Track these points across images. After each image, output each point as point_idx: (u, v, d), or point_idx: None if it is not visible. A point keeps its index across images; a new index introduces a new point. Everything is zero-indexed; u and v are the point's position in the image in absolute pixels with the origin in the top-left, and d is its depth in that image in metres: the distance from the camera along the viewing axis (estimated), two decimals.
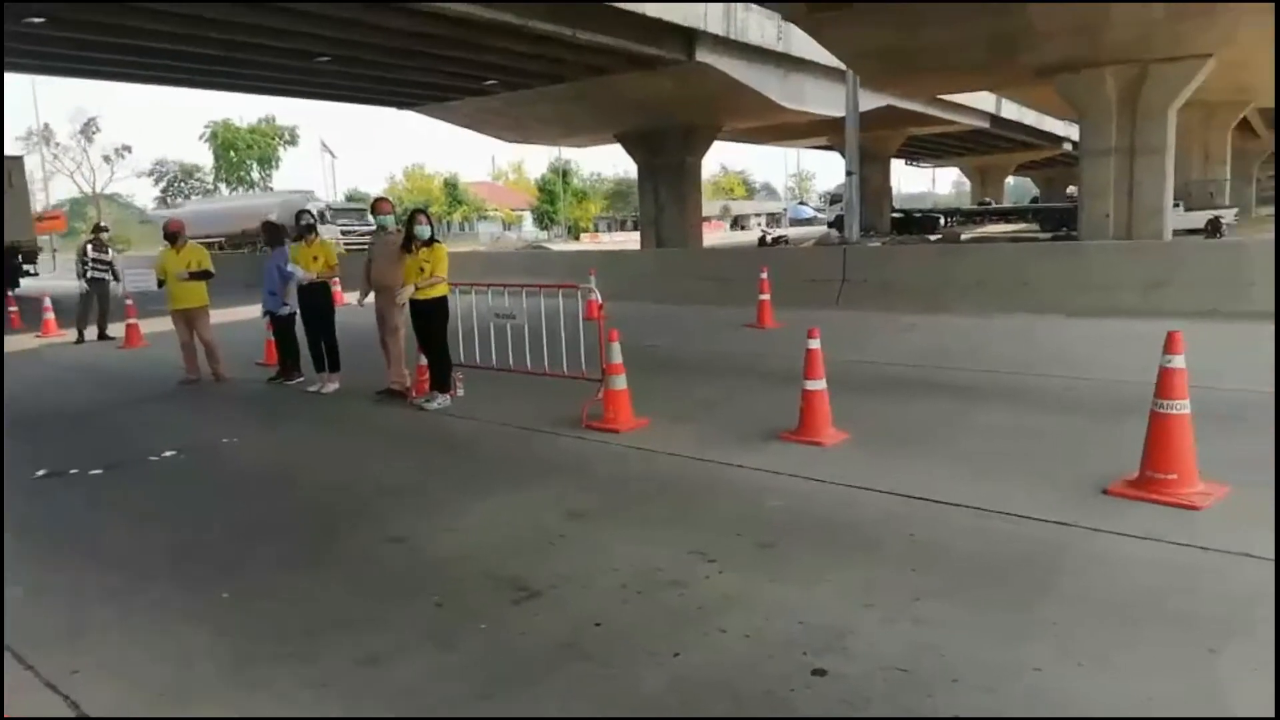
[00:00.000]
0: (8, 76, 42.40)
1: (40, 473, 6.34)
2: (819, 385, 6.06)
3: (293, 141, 64.43)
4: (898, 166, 61.93)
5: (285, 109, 65.20)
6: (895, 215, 45.05)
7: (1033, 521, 4.43)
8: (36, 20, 16.41)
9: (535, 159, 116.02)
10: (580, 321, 7.56)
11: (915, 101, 34.22)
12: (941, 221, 45.69)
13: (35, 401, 9.31)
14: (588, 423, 6.76)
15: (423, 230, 7.75)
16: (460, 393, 8.06)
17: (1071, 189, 46.12)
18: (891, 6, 17.63)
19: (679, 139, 29.96)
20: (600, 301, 7.43)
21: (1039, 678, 3.01)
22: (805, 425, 6.07)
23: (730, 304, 13.31)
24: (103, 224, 17.73)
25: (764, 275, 12.27)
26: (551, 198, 73.30)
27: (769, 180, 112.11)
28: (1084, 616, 3.44)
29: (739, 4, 23.41)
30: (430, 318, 7.76)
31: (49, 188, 63.20)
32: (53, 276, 27.14)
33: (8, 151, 26.69)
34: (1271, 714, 2.76)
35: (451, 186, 73.07)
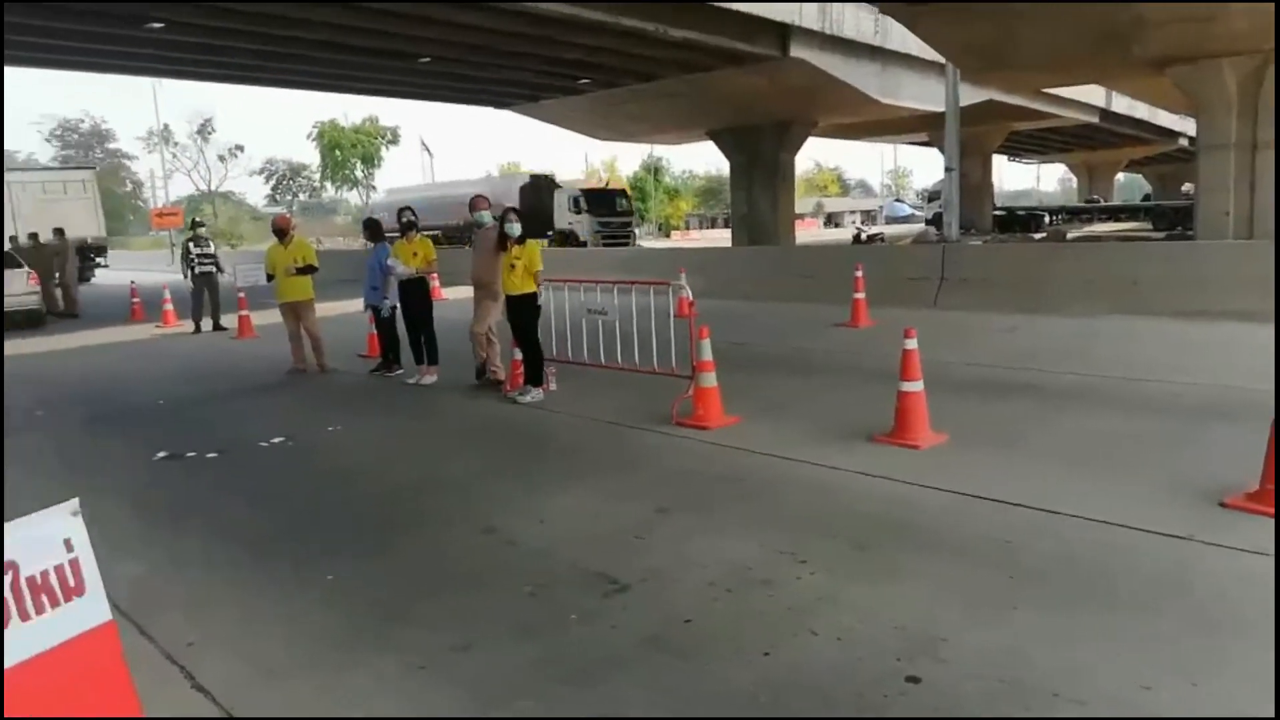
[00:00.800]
0: (136, 80, 44.77)
1: (160, 455, 6.71)
2: (916, 386, 5.93)
3: (394, 141, 66.41)
4: (999, 162, 59.87)
5: (387, 109, 67.31)
6: (997, 213, 43.62)
7: (1141, 533, 4.24)
8: (156, 25, 17.30)
9: (628, 156, 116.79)
10: (671, 318, 7.59)
11: (1018, 95, 33.02)
12: (1046, 219, 44.05)
13: (154, 388, 9.85)
14: (678, 419, 6.78)
15: (513, 228, 7.90)
16: (553, 387, 8.19)
17: (1187, 186, 43.83)
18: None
19: (772, 135, 29.67)
20: (691, 299, 7.43)
21: (1147, 696, 2.89)
22: (901, 427, 5.95)
23: (823, 302, 13.13)
24: (198, 219, 18.64)
25: (859, 273, 12.06)
26: (643, 195, 73.66)
27: (864, 177, 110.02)
28: (1197, 633, 3.28)
29: None
30: (523, 313, 7.91)
31: (168, 186, 66.81)
32: (172, 270, 28.70)
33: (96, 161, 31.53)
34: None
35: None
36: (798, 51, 23.15)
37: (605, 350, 8.04)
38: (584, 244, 31.36)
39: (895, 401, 6.00)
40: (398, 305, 9.51)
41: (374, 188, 68.41)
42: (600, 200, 34.75)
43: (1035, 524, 4.44)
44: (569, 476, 5.74)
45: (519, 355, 8.19)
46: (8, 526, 2.20)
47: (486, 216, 8.93)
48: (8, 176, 31.45)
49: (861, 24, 24.51)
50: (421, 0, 16.25)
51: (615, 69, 24.47)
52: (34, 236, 19.89)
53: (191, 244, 15.59)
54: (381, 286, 9.58)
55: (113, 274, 30.98)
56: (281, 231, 10.50)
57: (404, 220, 9.44)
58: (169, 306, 16.29)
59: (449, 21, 17.99)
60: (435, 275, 9.93)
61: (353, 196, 71.84)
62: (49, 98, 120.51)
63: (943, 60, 22.63)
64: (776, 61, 23.25)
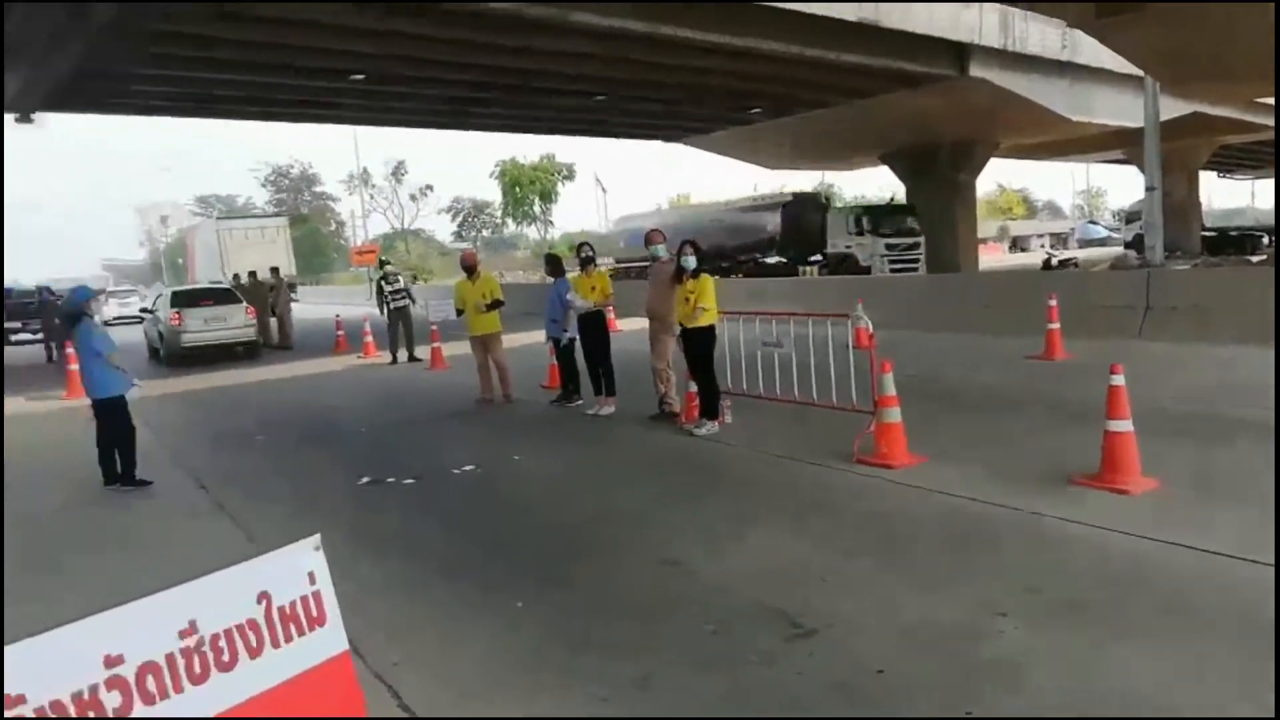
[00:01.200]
0: (339, 129, 48.28)
1: (363, 480, 7.19)
2: (1124, 426, 5.48)
3: (570, 177, 68.86)
4: (1207, 179, 55.04)
5: (562, 146, 69.98)
6: (1206, 234, 39.95)
7: None
8: (357, 77, 18.81)
9: (797, 183, 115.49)
10: (850, 350, 7.41)
11: (1228, 107, 30.28)
12: (1265, 240, 39.99)
13: (357, 416, 10.61)
14: (859, 457, 6.58)
15: (688, 261, 7.97)
16: (728, 420, 8.16)
17: None
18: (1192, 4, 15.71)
19: (950, 157, 28.60)
20: (871, 330, 7.21)
21: None
22: (1108, 470, 5.51)
23: (1011, 333, 12.45)
24: (385, 259, 20.08)
25: (1052, 302, 11.35)
26: None
27: (1053, 198, 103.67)
28: None
29: (1018, 13, 22.00)
30: (699, 345, 7.94)
31: (366, 224, 72.30)
32: (372, 303, 30.94)
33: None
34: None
35: None
36: (977, 71, 22.28)
37: (781, 383, 7.95)
38: (866, 270, 26.37)
39: (1100, 442, 5.57)
40: (577, 337, 9.80)
41: (551, 223, 71.14)
42: (887, 218, 28.39)
43: (1266, 580, 3.98)
44: (748, 511, 5.68)
45: (694, 388, 8.24)
46: (263, 558, 2.40)
47: (662, 250, 9.03)
48: (218, 225, 36.35)
49: (1047, 39, 23.30)
50: (602, 39, 16.79)
51: (786, 97, 24.42)
52: (253, 275, 21.98)
53: (383, 282, 16.84)
54: (561, 319, 9.90)
55: (315, 307, 33.65)
56: (470, 268, 11.09)
57: (583, 256, 9.78)
58: (369, 339, 17.52)
59: (626, 59, 18.53)
60: (612, 308, 10.15)
61: (531, 231, 75.02)
62: (264, 146, 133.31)
63: (1140, 72, 21.12)
64: (954, 81, 22.47)
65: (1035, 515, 5.14)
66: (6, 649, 1.85)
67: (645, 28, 15.56)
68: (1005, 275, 22.99)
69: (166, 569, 5.16)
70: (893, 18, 18.76)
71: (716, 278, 8.73)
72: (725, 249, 30.45)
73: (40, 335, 22.15)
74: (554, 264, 10.77)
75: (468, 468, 7.40)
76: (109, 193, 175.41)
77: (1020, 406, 8.47)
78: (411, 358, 15.79)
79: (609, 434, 8.63)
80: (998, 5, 21.06)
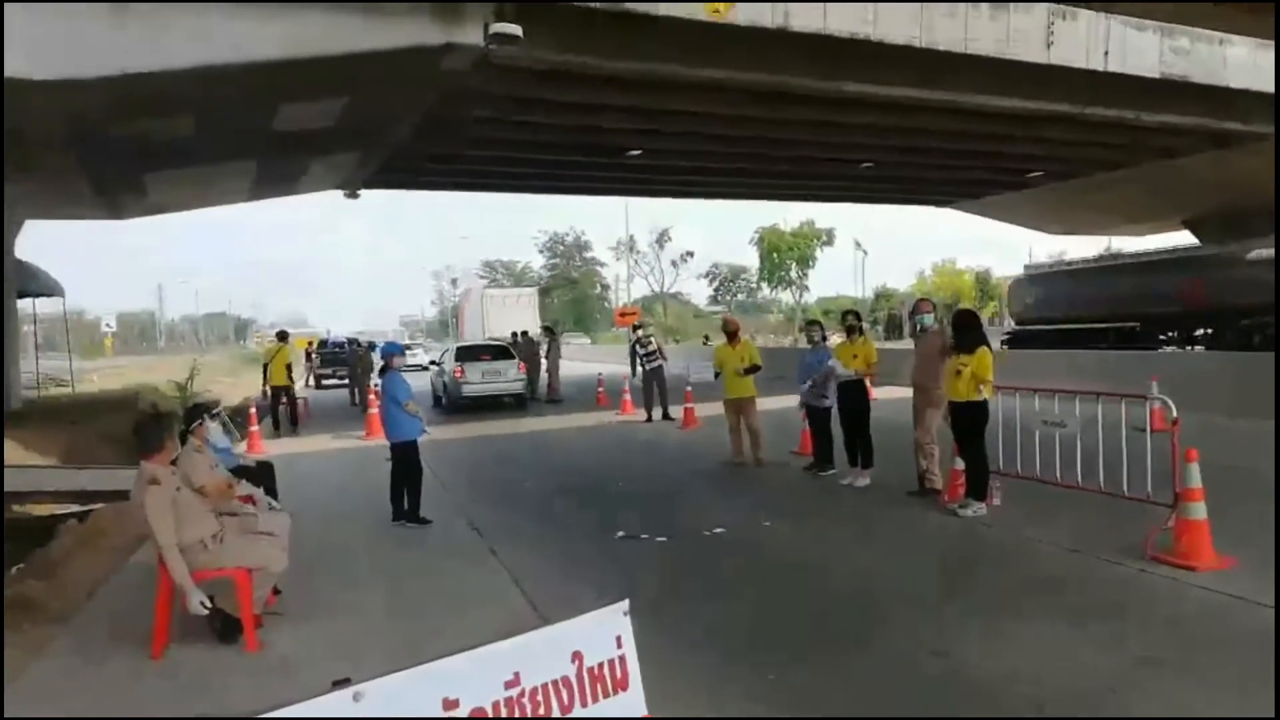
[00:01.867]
0: (609, 200, 51.24)
1: (619, 534, 7.44)
2: None
3: (829, 242, 68.43)
4: None
5: (823, 211, 69.58)
6: None
7: None
8: (634, 152, 19.97)
9: (1080, 249, 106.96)
10: (1148, 434, 6.68)
11: None
12: None
13: (613, 470, 11.07)
14: (1153, 554, 5.87)
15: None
16: (996, 501, 7.60)
17: None
18: None
19: (1267, 222, 25.29)
20: (1175, 414, 6.44)
21: None
22: None
23: None
24: (638, 324, 20.94)
25: None
26: None
27: None
28: None
29: None
30: (969, 420, 7.51)
31: (630, 288, 75.94)
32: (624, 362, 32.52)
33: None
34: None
35: (983, 282, 70.92)
36: None
37: (1063, 466, 7.30)
38: None
39: None
40: (834, 405, 9.63)
41: (807, 288, 70.87)
42: None
43: None
44: (1022, 604, 5.24)
45: (960, 464, 7.78)
46: (577, 620, 2.54)
47: (929, 319, 8.77)
48: (487, 292, 41.49)
49: None
50: (875, 108, 16.68)
51: (1071, 159, 22.83)
52: (525, 334, 23.69)
53: (637, 345, 17.65)
54: (820, 385, 9.76)
55: (581, 364, 35.62)
56: (731, 333, 11.29)
57: (848, 324, 9.66)
58: (627, 396, 18.28)
59: (892, 126, 18.26)
60: (874, 377, 9.89)
61: (785, 296, 75.13)
62: (543, 215, 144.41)
63: None
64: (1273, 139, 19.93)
65: None
66: (365, 685, 2.07)
67: (916, 94, 15.23)
68: None
69: (440, 603, 5.65)
70: (1204, 72, 17.07)
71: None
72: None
73: (346, 381, 25.11)
74: (814, 329, 10.69)
75: (718, 530, 7.44)
76: (416, 259, 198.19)
77: None
78: (665, 416, 16.22)
79: (864, 508, 8.32)
80: None
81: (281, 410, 16.47)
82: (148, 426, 5.35)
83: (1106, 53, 15.22)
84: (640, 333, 18.70)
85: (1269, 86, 18.23)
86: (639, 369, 17.41)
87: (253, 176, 17.03)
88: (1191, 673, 4.15)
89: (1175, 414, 6.32)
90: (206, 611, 4.90)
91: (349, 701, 2.02)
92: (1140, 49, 15.75)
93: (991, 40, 13.74)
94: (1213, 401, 12.53)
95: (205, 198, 19.83)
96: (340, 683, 2.03)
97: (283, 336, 18.23)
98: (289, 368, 16.60)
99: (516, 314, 39.74)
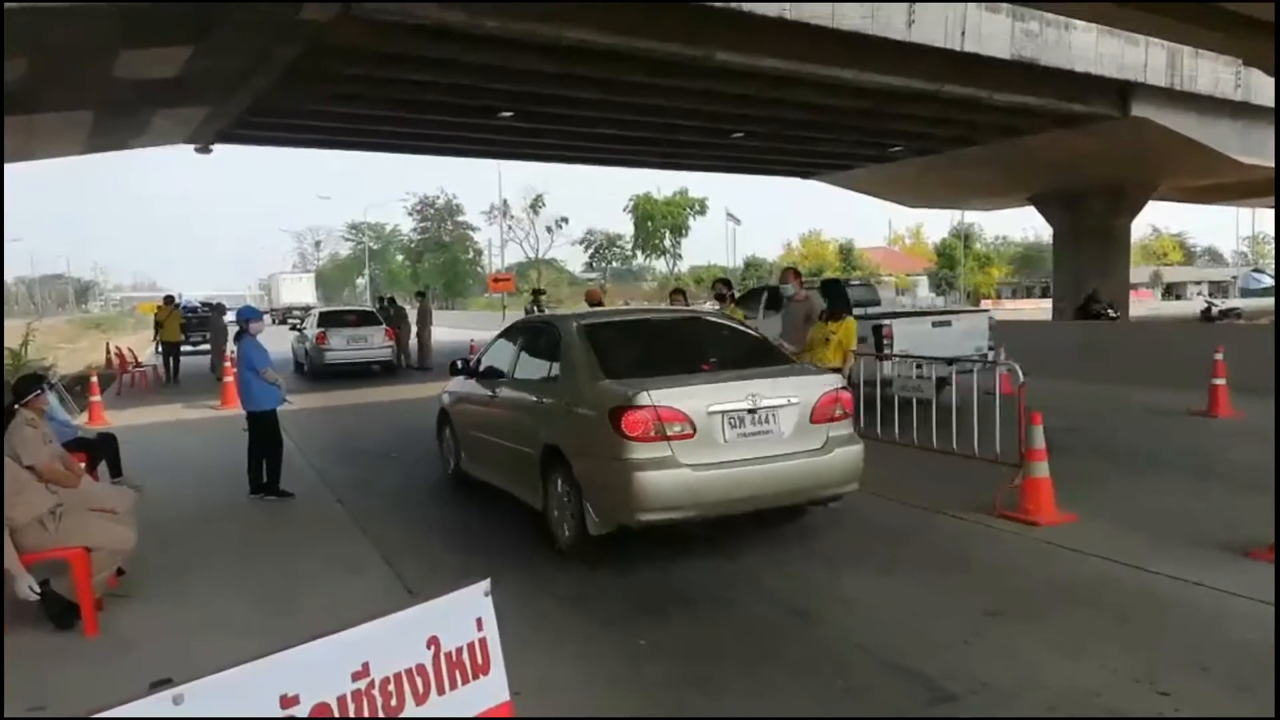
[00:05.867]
0: (483, 162, 50.38)
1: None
2: None
3: (702, 211, 69.16)
4: None
5: (695, 181, 70.01)
6: None
7: None
8: (506, 114, 19.49)
9: (935, 223, 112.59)
10: (997, 398, 7.04)
11: None
12: None
13: None
14: (1001, 511, 6.21)
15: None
16: None
17: None
18: None
19: (1104, 200, 27.15)
20: (1022, 379, 6.80)
21: None
22: None
23: (1169, 386, 11.61)
24: (540, 287, 20.90)
25: (1219, 355, 10.51)
26: (950, 262, 70.50)
27: (1213, 244, 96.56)
28: None
29: (1187, 50, 20.71)
30: None
31: (504, 253, 74.58)
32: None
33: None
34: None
35: (846, 252, 73.44)
36: (1140, 110, 21.08)
37: (918, 429, 7.62)
38: None
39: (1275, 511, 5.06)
40: None
41: (680, 256, 71.59)
42: None
43: None
44: (878, 560, 5.45)
45: None
46: (434, 602, 2.38)
47: (791, 289, 8.99)
48: (277, 274, 59.21)
49: (1220, 78, 21.82)
50: (742, 78, 16.82)
51: (930, 136, 23.76)
52: (392, 300, 22.91)
53: (535, 307, 17.84)
54: None
55: (453, 331, 34.74)
56: (594, 305, 11.39)
57: (718, 291, 9.79)
58: None
59: (765, 98, 18.49)
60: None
61: (659, 264, 75.62)
62: (412, 178, 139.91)
63: None
64: (1114, 122, 21.31)
65: (1199, 586, 4.71)
66: (188, 686, 1.89)
67: (786, 66, 15.47)
68: (1163, 324, 21.59)
69: (300, 582, 5.38)
70: (1052, 56, 18.03)
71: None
72: None
73: (205, 347, 23.74)
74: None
75: None
76: (274, 219, 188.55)
77: (1182, 467, 7.85)
78: None
79: None
80: (1165, 42, 19.92)
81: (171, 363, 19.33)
82: None
83: (963, 33, 15.87)
84: (543, 297, 18.80)
85: (1109, 72, 19.45)
86: None
87: (88, 128, 15.70)
88: (1033, 622, 4.40)
89: (1022, 378, 6.68)
90: (36, 597, 4.51)
91: (169, 705, 1.83)
92: (994, 32, 16.54)
93: (858, 17, 14.15)
94: (1063, 368, 13.40)
95: (28, 150, 18.13)
96: (160, 684, 1.84)
97: (169, 300, 21.17)
98: (183, 326, 20.65)
99: (301, 289, 57.97)
